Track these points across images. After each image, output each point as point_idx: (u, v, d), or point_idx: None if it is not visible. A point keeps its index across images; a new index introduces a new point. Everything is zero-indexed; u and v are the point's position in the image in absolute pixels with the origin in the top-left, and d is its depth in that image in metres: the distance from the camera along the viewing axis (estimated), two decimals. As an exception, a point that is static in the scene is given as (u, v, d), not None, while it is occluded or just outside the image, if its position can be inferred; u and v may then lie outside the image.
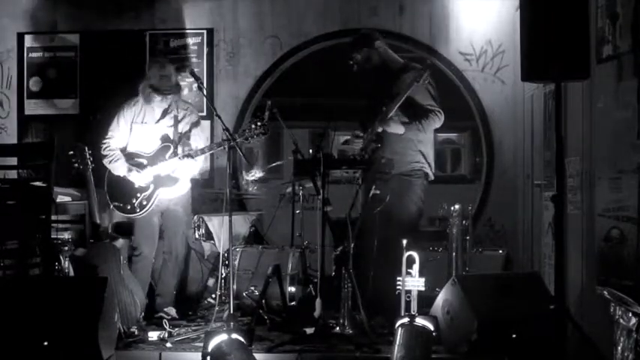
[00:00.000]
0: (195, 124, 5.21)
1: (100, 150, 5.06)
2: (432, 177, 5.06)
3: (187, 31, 6.37)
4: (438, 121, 4.93)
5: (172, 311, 5.14)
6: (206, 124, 6.20)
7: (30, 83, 6.50)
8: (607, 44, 3.98)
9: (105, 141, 5.09)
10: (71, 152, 4.94)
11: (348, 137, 5.03)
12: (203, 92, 5.08)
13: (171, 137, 5.08)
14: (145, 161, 5.05)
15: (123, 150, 5.09)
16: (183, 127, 5.13)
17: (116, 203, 5.04)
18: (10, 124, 6.51)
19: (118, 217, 5.23)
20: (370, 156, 4.78)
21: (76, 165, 4.92)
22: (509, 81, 6.06)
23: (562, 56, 3.70)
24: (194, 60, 6.32)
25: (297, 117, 7.56)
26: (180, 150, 5.03)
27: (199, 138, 5.21)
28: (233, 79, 6.36)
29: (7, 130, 6.50)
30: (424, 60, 5.00)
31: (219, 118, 4.67)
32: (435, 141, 5.27)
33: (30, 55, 6.51)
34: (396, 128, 4.84)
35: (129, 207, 5.02)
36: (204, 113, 6.21)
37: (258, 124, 4.80)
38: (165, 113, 5.10)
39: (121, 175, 5.02)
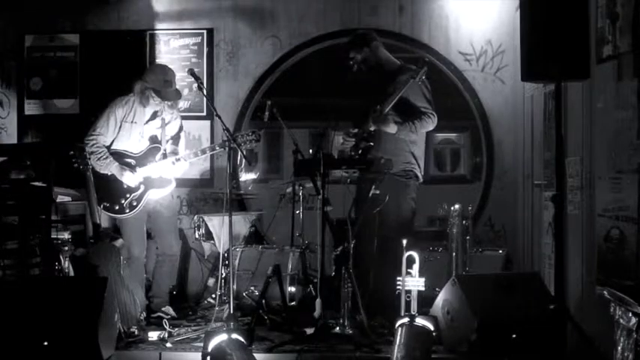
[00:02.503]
0: (180, 129, 5.23)
1: (87, 146, 4.93)
2: (420, 179, 5.07)
3: (187, 31, 6.37)
4: (431, 123, 4.96)
5: (170, 310, 5.15)
6: (206, 124, 6.22)
7: (30, 83, 6.50)
8: (607, 44, 3.98)
9: (92, 137, 4.98)
10: (71, 152, 4.93)
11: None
12: (203, 92, 5.08)
13: (159, 139, 5.08)
14: (133, 161, 5.02)
15: (108, 147, 5.02)
16: (170, 130, 5.14)
17: (105, 203, 4.95)
18: (10, 124, 6.51)
19: (104, 218, 5.10)
20: (363, 155, 4.79)
21: (76, 165, 4.91)
22: (509, 81, 6.06)
23: (562, 56, 3.71)
24: (194, 60, 6.32)
25: (297, 117, 7.55)
26: (168, 152, 5.04)
27: (182, 144, 5.24)
28: (233, 79, 6.36)
29: (7, 130, 6.50)
30: (421, 60, 5.00)
31: (219, 118, 4.67)
32: (435, 141, 5.30)
33: (30, 55, 6.51)
34: (390, 127, 4.85)
35: (117, 207, 4.98)
36: (204, 113, 6.21)
37: (250, 132, 4.87)
38: (155, 115, 5.09)
39: (108, 174, 4.98)
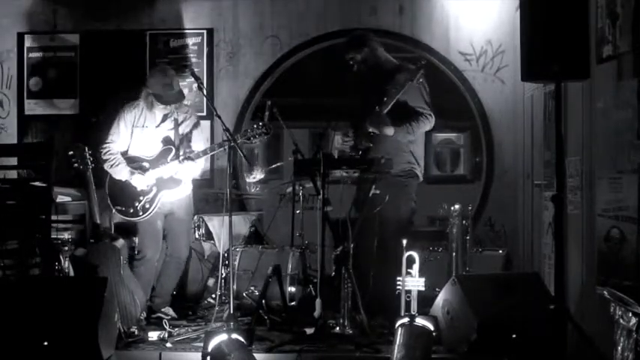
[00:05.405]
0: (195, 126, 5.21)
1: (101, 154, 5.03)
2: (421, 178, 5.07)
3: (187, 31, 6.37)
4: (428, 124, 4.96)
5: (170, 311, 5.15)
6: (206, 124, 6.20)
7: (30, 83, 6.50)
8: (607, 44, 3.98)
9: (105, 145, 5.05)
10: (71, 152, 4.93)
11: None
12: (203, 92, 5.07)
13: (172, 140, 5.08)
14: (147, 165, 5.03)
15: (124, 154, 5.06)
16: (183, 129, 5.13)
17: (118, 207, 5.01)
18: (10, 124, 6.51)
19: (119, 218, 5.21)
20: (362, 155, 4.79)
21: (76, 165, 4.91)
22: (509, 81, 6.06)
23: (562, 56, 3.70)
24: (194, 60, 6.32)
25: (297, 117, 7.55)
26: (181, 152, 5.03)
27: (199, 139, 5.20)
28: (233, 79, 6.36)
29: (7, 130, 6.50)
30: (419, 60, 5.00)
31: (219, 118, 4.67)
32: (435, 141, 5.29)
33: (30, 55, 6.51)
34: (387, 130, 4.85)
35: (131, 210, 5.00)
36: (204, 113, 6.21)
37: (260, 124, 4.83)
38: (165, 117, 5.09)
39: (123, 179, 5.01)
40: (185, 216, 5.20)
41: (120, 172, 5.00)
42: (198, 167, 5.16)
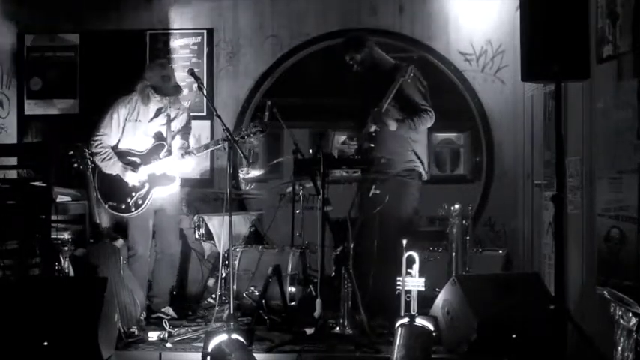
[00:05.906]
0: (188, 124, 5.21)
1: (92, 147, 4.99)
2: (425, 177, 5.08)
3: (187, 31, 6.37)
4: (429, 119, 4.98)
5: (170, 310, 5.15)
6: (206, 124, 6.21)
7: (30, 83, 6.50)
8: (607, 44, 3.98)
9: (97, 138, 5.02)
10: (71, 152, 4.93)
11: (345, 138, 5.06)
12: (203, 92, 5.08)
13: (165, 136, 5.08)
14: (138, 160, 5.03)
15: (114, 148, 5.05)
16: (176, 126, 5.14)
17: (110, 203, 5.00)
18: (10, 124, 6.51)
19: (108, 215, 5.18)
20: (365, 156, 4.80)
21: (76, 165, 4.91)
22: (509, 81, 6.06)
23: (562, 56, 3.70)
24: (194, 60, 6.32)
25: (297, 117, 7.55)
26: (174, 148, 5.03)
27: (190, 137, 5.23)
28: (233, 79, 6.35)
29: (7, 130, 6.50)
30: (410, 58, 5.01)
31: (219, 118, 4.67)
32: (435, 141, 5.29)
33: (30, 55, 6.50)
34: (389, 124, 4.87)
35: (123, 206, 5.00)
36: (204, 113, 6.21)
37: (256, 122, 4.85)
38: (159, 112, 5.10)
39: (114, 174, 5.00)
40: (174, 212, 5.22)
41: (112, 166, 4.99)
42: (191, 165, 5.16)
